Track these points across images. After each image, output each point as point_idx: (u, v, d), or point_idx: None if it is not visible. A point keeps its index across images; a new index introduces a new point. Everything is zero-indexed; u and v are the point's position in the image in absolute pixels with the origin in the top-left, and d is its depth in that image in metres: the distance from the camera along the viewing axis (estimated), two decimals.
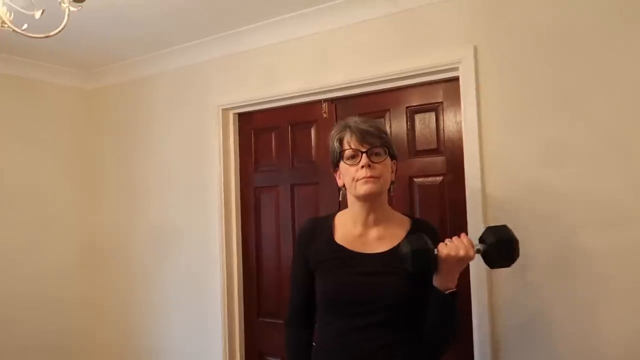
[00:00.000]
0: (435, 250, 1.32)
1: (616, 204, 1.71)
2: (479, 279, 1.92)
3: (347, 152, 1.44)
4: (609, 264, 1.71)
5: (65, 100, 3.17)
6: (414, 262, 1.30)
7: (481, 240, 1.37)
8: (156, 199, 2.94)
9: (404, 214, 1.57)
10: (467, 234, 1.38)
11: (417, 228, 1.49)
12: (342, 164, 1.46)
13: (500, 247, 1.34)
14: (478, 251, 1.35)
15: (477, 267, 1.91)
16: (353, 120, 1.47)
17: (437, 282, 1.35)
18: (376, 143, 1.43)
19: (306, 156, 2.51)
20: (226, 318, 2.60)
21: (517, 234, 1.79)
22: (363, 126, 1.44)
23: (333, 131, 1.51)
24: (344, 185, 1.50)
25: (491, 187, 1.93)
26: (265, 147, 2.66)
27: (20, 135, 2.95)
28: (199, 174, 2.76)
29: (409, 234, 1.45)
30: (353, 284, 1.41)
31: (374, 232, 1.48)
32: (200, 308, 2.71)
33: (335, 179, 1.55)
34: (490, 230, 1.37)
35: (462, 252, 1.30)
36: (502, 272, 1.88)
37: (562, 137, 1.80)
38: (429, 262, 1.31)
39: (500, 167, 1.92)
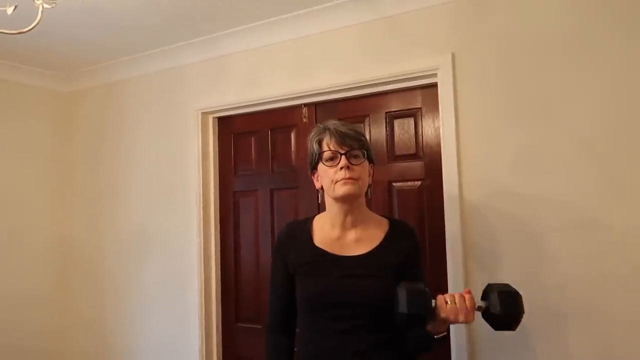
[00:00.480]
0: (433, 302, 1.27)
1: (585, 209, 1.75)
2: (455, 275, 1.95)
3: (327, 154, 1.45)
4: (576, 268, 1.75)
5: (41, 103, 3.12)
6: (408, 324, 1.26)
7: (484, 296, 1.31)
8: (134, 202, 2.90)
9: (381, 215, 1.58)
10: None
11: (395, 229, 1.51)
12: (320, 166, 1.47)
13: (505, 321, 1.26)
14: (479, 309, 1.29)
15: (453, 263, 1.95)
16: (332, 123, 1.48)
17: (428, 327, 1.32)
18: (355, 145, 1.44)
19: (286, 161, 2.51)
20: (204, 323, 2.57)
21: (493, 238, 1.83)
22: (342, 129, 1.45)
23: (312, 133, 1.52)
24: (321, 188, 1.50)
25: (468, 192, 1.96)
26: (245, 151, 2.65)
27: None
28: (177, 178, 2.73)
29: (389, 238, 1.47)
30: (334, 287, 1.41)
31: (352, 235, 1.48)
32: (178, 312, 2.67)
33: (313, 181, 1.55)
34: (497, 297, 1.27)
35: (461, 319, 1.26)
36: (476, 272, 1.91)
37: (536, 144, 1.84)
38: (424, 322, 1.27)
39: (476, 172, 1.95)
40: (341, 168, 1.42)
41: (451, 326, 1.92)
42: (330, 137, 1.44)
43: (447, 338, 1.32)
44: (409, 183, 2.18)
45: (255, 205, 2.59)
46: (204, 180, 2.66)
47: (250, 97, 2.51)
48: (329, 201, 1.51)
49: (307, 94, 2.35)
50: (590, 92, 1.76)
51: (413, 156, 2.18)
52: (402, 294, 1.25)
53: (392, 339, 1.42)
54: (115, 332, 2.92)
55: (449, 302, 1.26)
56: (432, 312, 1.26)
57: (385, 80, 2.15)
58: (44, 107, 3.13)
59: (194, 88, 2.70)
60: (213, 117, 2.70)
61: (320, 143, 1.47)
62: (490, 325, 1.29)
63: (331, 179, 1.44)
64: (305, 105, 2.43)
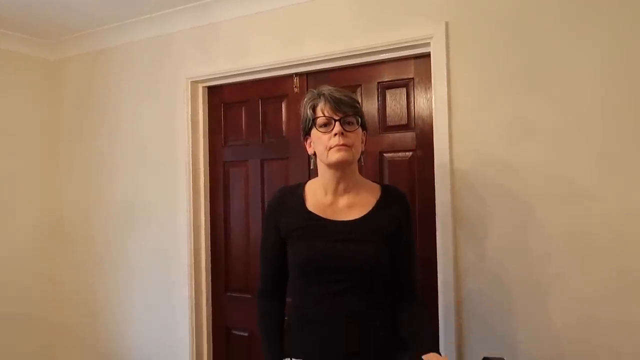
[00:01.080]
0: None
1: (572, 181, 1.77)
2: (445, 245, 1.97)
3: (321, 120, 1.43)
4: (560, 237, 1.78)
5: (27, 71, 3.04)
6: None
7: None
8: (122, 172, 2.87)
9: (373, 182, 1.59)
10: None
11: (387, 195, 1.51)
12: (314, 132, 1.46)
13: None
14: None
15: (443, 232, 1.97)
16: (327, 88, 1.46)
17: None
18: (349, 112, 1.43)
19: (277, 131, 2.49)
20: (193, 293, 2.58)
21: (482, 208, 1.84)
22: (337, 94, 1.43)
23: (306, 98, 1.50)
24: (314, 154, 1.50)
25: (459, 163, 1.96)
26: (235, 121, 2.62)
27: None
28: (167, 147, 2.70)
29: (382, 204, 1.48)
30: (326, 251, 1.42)
31: (344, 200, 1.49)
32: (167, 283, 2.68)
33: (306, 149, 1.54)
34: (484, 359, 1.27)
35: None
36: (465, 241, 1.93)
37: (528, 115, 1.84)
38: None
39: (467, 143, 1.95)
40: (335, 134, 1.41)
41: (439, 286, 1.98)
42: (325, 103, 1.43)
43: None
44: (400, 154, 2.17)
45: (246, 175, 2.57)
46: (194, 151, 2.63)
47: (241, 65, 2.47)
48: (321, 167, 1.50)
49: (298, 62, 2.32)
50: (586, 64, 1.75)
51: (404, 127, 2.17)
52: None
53: (383, 301, 1.44)
54: (104, 302, 2.92)
55: None
56: None
57: (377, 50, 2.13)
58: (29, 74, 3.06)
59: (183, 56, 2.65)
60: (203, 87, 2.66)
61: (314, 109, 1.45)
62: None
63: (325, 145, 1.43)
64: (297, 74, 2.40)
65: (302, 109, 1.50)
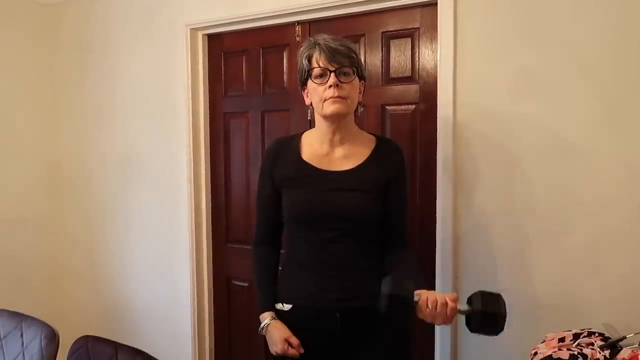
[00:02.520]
0: (416, 296, 1.24)
1: (576, 136, 1.73)
2: (444, 200, 1.97)
3: (316, 71, 1.41)
4: (552, 194, 1.78)
5: (23, 15, 2.96)
6: (386, 305, 1.22)
7: (469, 301, 1.26)
8: (121, 122, 2.83)
9: (370, 133, 1.58)
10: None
11: (382, 147, 1.52)
12: (310, 83, 1.44)
13: (485, 320, 1.22)
14: (460, 312, 1.25)
15: (443, 188, 1.96)
16: (322, 38, 1.43)
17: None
18: (345, 62, 1.40)
19: (278, 82, 2.43)
20: (194, 243, 2.60)
21: (484, 163, 1.83)
22: (333, 44, 1.40)
23: (302, 48, 1.47)
24: (311, 104, 1.48)
25: (462, 116, 1.92)
26: (236, 71, 2.55)
27: None
28: (166, 97, 2.66)
29: (376, 155, 1.48)
30: (318, 200, 1.43)
31: (340, 151, 1.49)
32: (168, 233, 2.70)
33: (304, 99, 1.53)
34: (480, 298, 1.23)
35: (438, 321, 1.24)
36: (465, 197, 1.92)
37: (535, 68, 1.79)
38: (403, 309, 1.25)
39: (472, 96, 1.90)
40: (330, 86, 1.39)
41: (437, 224, 1.99)
42: (320, 53, 1.40)
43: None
44: (403, 107, 2.12)
45: (246, 127, 2.54)
46: (194, 101, 2.58)
47: (241, 13, 2.38)
48: (318, 118, 1.50)
49: (300, 10, 2.23)
50: (596, 14, 1.68)
51: (408, 79, 2.11)
52: (384, 297, 1.22)
53: (375, 251, 1.47)
54: (105, 250, 2.96)
55: (430, 308, 1.22)
56: (412, 308, 1.24)
57: None
58: (24, 19, 2.97)
59: (182, 2, 2.56)
60: (202, 34, 2.58)
61: (309, 59, 1.43)
62: (470, 329, 1.24)
63: (320, 96, 1.42)
64: (299, 23, 2.32)
65: (299, 59, 1.48)
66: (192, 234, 2.60)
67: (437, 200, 1.99)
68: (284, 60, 2.41)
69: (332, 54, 1.38)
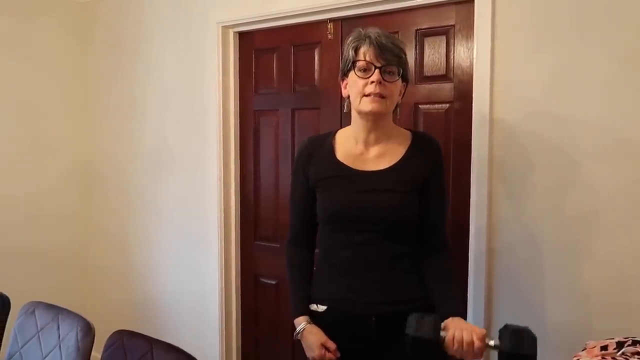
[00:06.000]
0: (443, 333, 1.23)
1: (623, 136, 1.66)
2: (479, 201, 1.92)
3: (361, 64, 1.38)
4: (607, 197, 1.70)
5: (58, 12, 3.01)
6: (413, 347, 1.21)
7: (500, 335, 1.21)
8: (153, 118, 2.86)
9: (406, 129, 1.54)
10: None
11: (418, 143, 1.48)
12: (351, 74, 1.41)
13: (514, 344, 1.17)
14: (489, 347, 1.22)
15: (478, 187, 1.91)
16: (374, 32, 1.39)
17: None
18: (392, 61, 1.37)
19: (308, 79, 2.42)
20: (222, 241, 2.61)
21: (522, 163, 1.77)
22: (383, 40, 1.37)
23: (350, 37, 1.44)
24: (348, 97, 1.45)
25: (500, 113, 1.87)
26: (266, 69, 2.55)
27: (11, 47, 2.82)
28: (197, 94, 2.67)
29: (412, 152, 1.45)
30: (352, 201, 1.41)
31: (375, 150, 1.46)
32: (197, 229, 2.71)
33: (341, 91, 1.50)
34: (509, 333, 1.19)
35: (467, 359, 1.22)
36: (501, 198, 1.88)
37: (574, 64, 1.73)
38: (430, 350, 1.22)
39: (510, 93, 1.85)
40: (372, 82, 1.36)
41: (470, 239, 1.94)
42: (369, 47, 1.36)
43: None
44: (437, 105, 2.09)
45: (276, 124, 2.53)
46: (224, 98, 2.59)
47: (272, 10, 2.37)
48: (353, 114, 1.47)
49: (332, 7, 2.21)
50: (633, 8, 1.62)
51: (442, 77, 2.07)
52: (409, 329, 1.21)
53: (411, 252, 1.44)
54: (136, 245, 2.99)
55: (456, 345, 1.19)
56: (439, 346, 1.22)
57: None
58: (59, 16, 3.02)
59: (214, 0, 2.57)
60: (234, 32, 2.59)
61: (356, 50, 1.39)
62: None
63: (360, 90, 1.39)
64: (331, 20, 2.30)
65: (345, 48, 1.44)
66: (221, 231, 2.61)
67: (470, 207, 1.94)
68: (315, 58, 2.39)
69: (381, 50, 1.35)
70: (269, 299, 2.59)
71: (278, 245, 2.53)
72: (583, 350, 1.40)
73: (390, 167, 1.43)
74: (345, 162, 1.45)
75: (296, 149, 2.44)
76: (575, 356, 1.37)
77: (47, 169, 3.00)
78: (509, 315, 1.88)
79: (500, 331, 1.22)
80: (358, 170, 1.44)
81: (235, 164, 2.63)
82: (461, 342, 1.19)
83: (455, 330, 1.21)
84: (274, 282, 2.57)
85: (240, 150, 2.65)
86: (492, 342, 1.21)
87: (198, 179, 2.69)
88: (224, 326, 2.64)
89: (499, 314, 1.90)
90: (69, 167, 3.09)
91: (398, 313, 1.39)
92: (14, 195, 2.86)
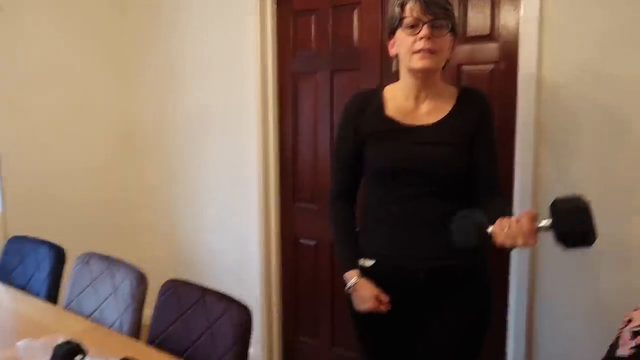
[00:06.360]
0: (490, 228, 1.19)
1: None
2: (524, 163, 1.90)
3: (408, 20, 1.36)
4: None
5: None
6: (459, 240, 1.21)
7: (551, 210, 1.13)
8: (192, 81, 2.90)
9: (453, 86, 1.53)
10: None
11: (466, 97, 1.46)
12: (399, 32, 1.40)
13: (572, 239, 1.10)
14: (542, 229, 1.14)
15: (524, 148, 1.88)
16: None
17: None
18: (440, 15, 1.35)
19: (347, 41, 2.40)
20: (262, 203, 2.66)
21: (569, 123, 1.73)
22: None
23: None
24: (396, 55, 1.45)
25: (547, 74, 1.84)
26: (305, 31, 2.54)
27: (52, 14, 2.87)
28: (235, 57, 2.68)
29: (460, 106, 1.43)
30: (403, 154, 1.41)
31: (425, 106, 1.46)
32: (237, 192, 2.77)
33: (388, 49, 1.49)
34: (560, 210, 1.12)
35: (519, 242, 1.15)
36: (547, 159, 1.86)
37: (629, 24, 1.68)
38: (478, 243, 1.20)
39: (559, 54, 1.81)
40: (421, 38, 1.34)
41: (515, 201, 1.91)
42: (415, 2, 1.34)
43: None
44: (480, 66, 2.06)
45: (315, 87, 2.54)
46: (262, 61, 2.60)
47: None
48: (403, 71, 1.46)
49: None
50: None
51: (487, 37, 2.03)
52: (453, 226, 1.22)
53: (462, 205, 1.39)
54: (178, 207, 3.08)
55: (505, 229, 1.16)
56: (486, 241, 1.18)
57: None
58: None
59: None
60: None
61: (402, 7, 1.37)
62: (560, 244, 1.12)
63: (409, 48, 1.37)
64: None
65: (390, 7, 1.43)
66: (260, 193, 2.65)
67: (514, 170, 1.92)
68: (354, 19, 2.37)
69: (427, 4, 1.33)
70: (308, 260, 2.64)
71: (316, 207, 2.57)
72: (635, 310, 1.40)
73: (440, 121, 1.42)
74: (395, 117, 1.45)
75: (335, 111, 2.45)
76: (626, 315, 1.38)
77: (95, 132, 3.07)
78: (555, 275, 1.88)
79: (550, 209, 1.13)
80: (409, 125, 1.43)
81: (273, 127, 2.65)
82: (508, 224, 1.16)
83: (501, 220, 1.18)
84: (313, 243, 2.61)
85: (278, 113, 2.66)
86: (543, 223, 1.13)
87: (237, 142, 2.73)
88: (264, 286, 2.71)
89: (544, 276, 1.91)
90: (110, 133, 3.16)
91: (447, 268, 1.41)
92: (66, 155, 2.95)
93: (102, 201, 3.14)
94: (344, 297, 1.53)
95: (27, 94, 2.78)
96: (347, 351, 2.54)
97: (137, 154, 3.24)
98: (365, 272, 1.48)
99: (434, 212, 1.41)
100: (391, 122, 1.45)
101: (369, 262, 1.49)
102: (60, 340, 1.29)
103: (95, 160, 3.09)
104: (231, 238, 2.84)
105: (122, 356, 1.24)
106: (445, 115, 1.43)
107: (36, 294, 1.95)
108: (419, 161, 1.39)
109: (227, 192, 2.82)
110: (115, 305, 1.72)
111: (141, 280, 1.69)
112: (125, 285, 1.71)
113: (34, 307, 1.75)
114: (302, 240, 2.66)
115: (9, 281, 2.08)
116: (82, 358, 1.25)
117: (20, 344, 1.34)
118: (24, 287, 2.03)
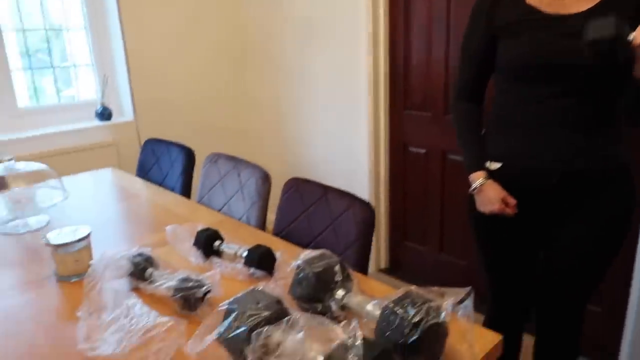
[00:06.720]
0: (631, 35, 1.07)
1: None
2: None
3: None
4: None
5: None
6: (594, 53, 1.09)
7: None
8: None
9: None
10: None
11: None
12: None
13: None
14: None
15: None
16: None
17: (636, 71, 1.15)
18: None
19: None
20: (372, 108, 2.65)
21: None
22: None
23: None
24: None
25: None
26: None
27: None
28: None
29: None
30: (549, 47, 1.27)
31: None
32: (347, 98, 2.77)
33: None
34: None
35: None
36: None
37: None
38: (614, 54, 1.08)
39: None
40: None
41: None
42: None
43: None
44: None
45: None
46: None
47: None
48: None
49: None
50: None
51: None
52: (586, 39, 1.10)
53: (610, 112, 1.29)
54: (288, 112, 3.17)
55: None
56: (628, 51, 1.07)
57: None
58: None
59: None
60: None
61: None
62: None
63: None
64: None
65: None
66: (370, 99, 2.63)
67: None
68: None
69: None
70: (417, 167, 2.64)
71: (428, 114, 2.51)
72: None
73: (592, 8, 1.25)
74: (537, 6, 1.31)
75: (451, 15, 2.30)
76: None
77: (203, 41, 3.17)
78: None
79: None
80: (554, 14, 1.29)
81: (384, 32, 2.56)
82: None
83: None
84: (422, 151, 2.59)
85: (389, 16, 2.55)
86: None
87: (347, 46, 2.69)
88: (373, 192, 2.77)
89: None
90: (222, 39, 3.24)
91: (583, 172, 1.31)
92: (188, 66, 3.10)
93: (214, 111, 3.29)
94: (456, 204, 1.49)
95: (150, 11, 2.90)
96: (456, 259, 2.58)
97: (247, 64, 3.33)
98: (491, 175, 1.42)
99: (574, 112, 1.28)
100: (531, 10, 1.31)
101: (495, 165, 1.42)
102: (200, 227, 1.44)
103: (204, 67, 3.21)
104: (341, 145, 2.89)
105: (255, 243, 1.35)
106: (597, 3, 1.26)
107: (171, 189, 2.17)
108: (563, 54, 1.25)
109: (337, 97, 2.83)
110: (242, 201, 1.85)
111: (265, 179, 1.79)
112: (251, 183, 1.82)
113: (172, 200, 1.94)
114: (411, 148, 2.64)
115: (147, 178, 2.33)
116: (221, 243, 1.39)
117: (168, 228, 1.51)
118: (160, 183, 2.26)
